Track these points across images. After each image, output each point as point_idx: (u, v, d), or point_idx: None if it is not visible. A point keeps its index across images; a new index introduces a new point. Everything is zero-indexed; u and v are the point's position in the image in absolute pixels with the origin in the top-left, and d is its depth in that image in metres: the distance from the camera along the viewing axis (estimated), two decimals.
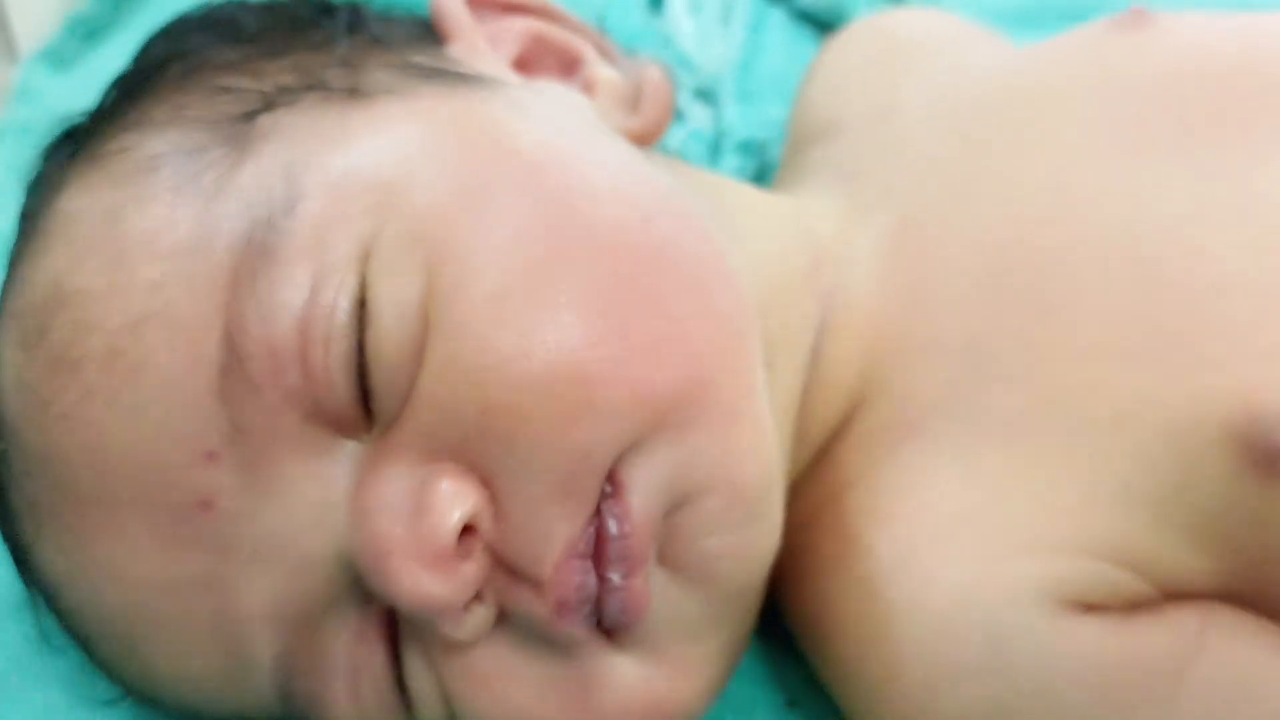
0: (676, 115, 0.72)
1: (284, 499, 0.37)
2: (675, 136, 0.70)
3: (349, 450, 0.37)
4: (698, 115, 0.71)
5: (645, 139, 0.45)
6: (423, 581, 0.35)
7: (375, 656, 0.39)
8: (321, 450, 0.37)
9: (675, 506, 0.38)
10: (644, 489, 0.37)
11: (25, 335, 0.38)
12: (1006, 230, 0.44)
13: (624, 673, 0.39)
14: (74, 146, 0.44)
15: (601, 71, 0.47)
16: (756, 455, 0.39)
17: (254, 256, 0.36)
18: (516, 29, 0.48)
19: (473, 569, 0.36)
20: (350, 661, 0.39)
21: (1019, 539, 0.40)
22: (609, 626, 0.38)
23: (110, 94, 0.45)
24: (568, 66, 0.48)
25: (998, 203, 0.45)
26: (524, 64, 0.47)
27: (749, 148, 0.66)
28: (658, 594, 0.38)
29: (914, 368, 0.44)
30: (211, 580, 0.37)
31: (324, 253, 0.36)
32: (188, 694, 0.40)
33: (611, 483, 0.37)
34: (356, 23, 0.45)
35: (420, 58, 0.43)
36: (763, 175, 0.66)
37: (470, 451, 0.36)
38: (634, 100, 0.46)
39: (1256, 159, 0.43)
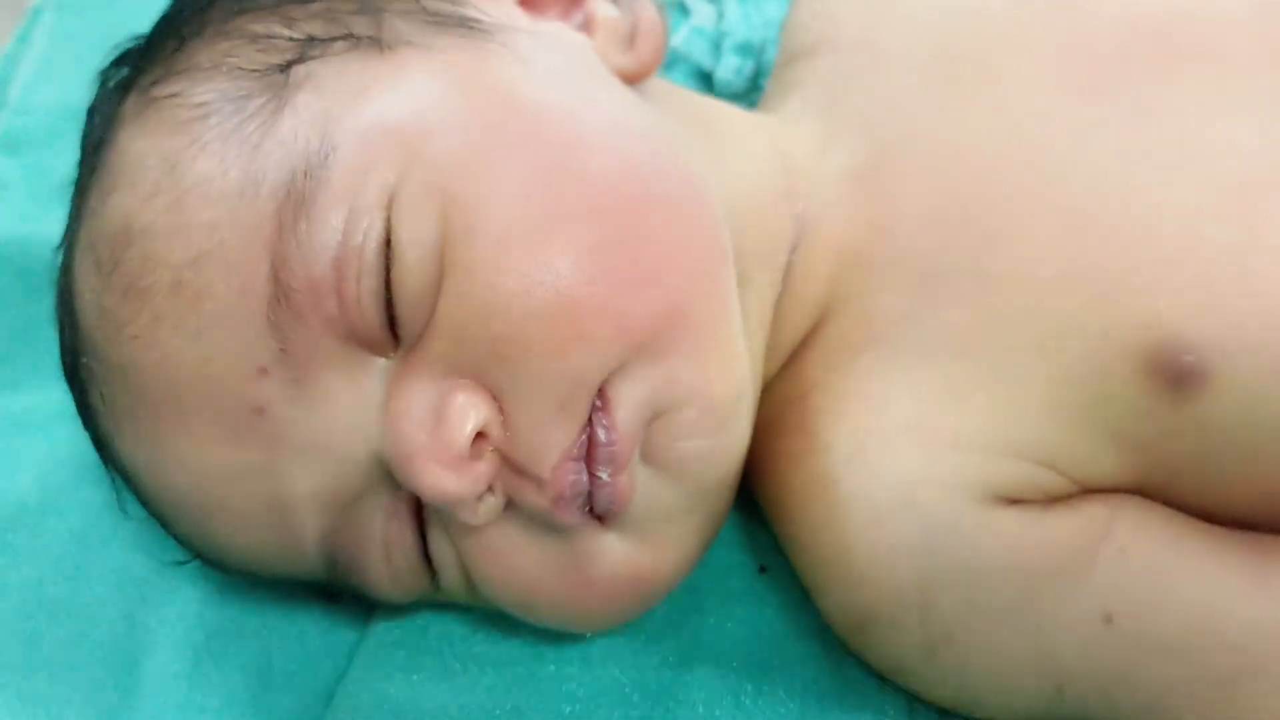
0: (681, 9, 0.76)
1: (325, 407, 0.43)
2: (679, 32, 0.74)
3: (380, 366, 0.44)
4: (703, 11, 0.75)
5: (639, 76, 0.50)
6: (442, 479, 0.42)
7: (405, 533, 0.47)
8: (356, 366, 0.44)
9: (656, 416, 0.44)
10: (628, 404, 0.43)
11: (100, 264, 0.44)
12: (962, 167, 0.49)
13: (613, 549, 0.46)
14: (127, 76, 0.49)
15: (601, 9, 0.51)
16: (727, 374, 0.45)
17: (294, 203, 0.42)
18: None
19: (484, 468, 0.43)
20: (384, 537, 0.47)
21: (954, 442, 0.47)
22: (600, 513, 0.45)
23: (159, 30, 0.50)
24: (572, 1, 0.53)
25: (956, 141, 0.50)
26: (530, 2, 0.52)
27: (747, 49, 0.70)
28: (641, 487, 0.45)
29: (874, 286, 0.50)
30: (266, 470, 0.44)
31: (354, 199, 0.42)
32: (248, 560, 0.48)
33: (601, 398, 0.43)
34: None
35: (435, 3, 0.48)
36: (760, 76, 0.70)
37: (482, 371, 0.42)
38: (630, 39, 0.51)
39: (1186, 106, 0.47)
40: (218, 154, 0.43)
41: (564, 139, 0.44)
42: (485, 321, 0.42)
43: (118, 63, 0.52)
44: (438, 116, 0.44)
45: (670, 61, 0.74)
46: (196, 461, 0.45)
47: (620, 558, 0.46)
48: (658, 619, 0.52)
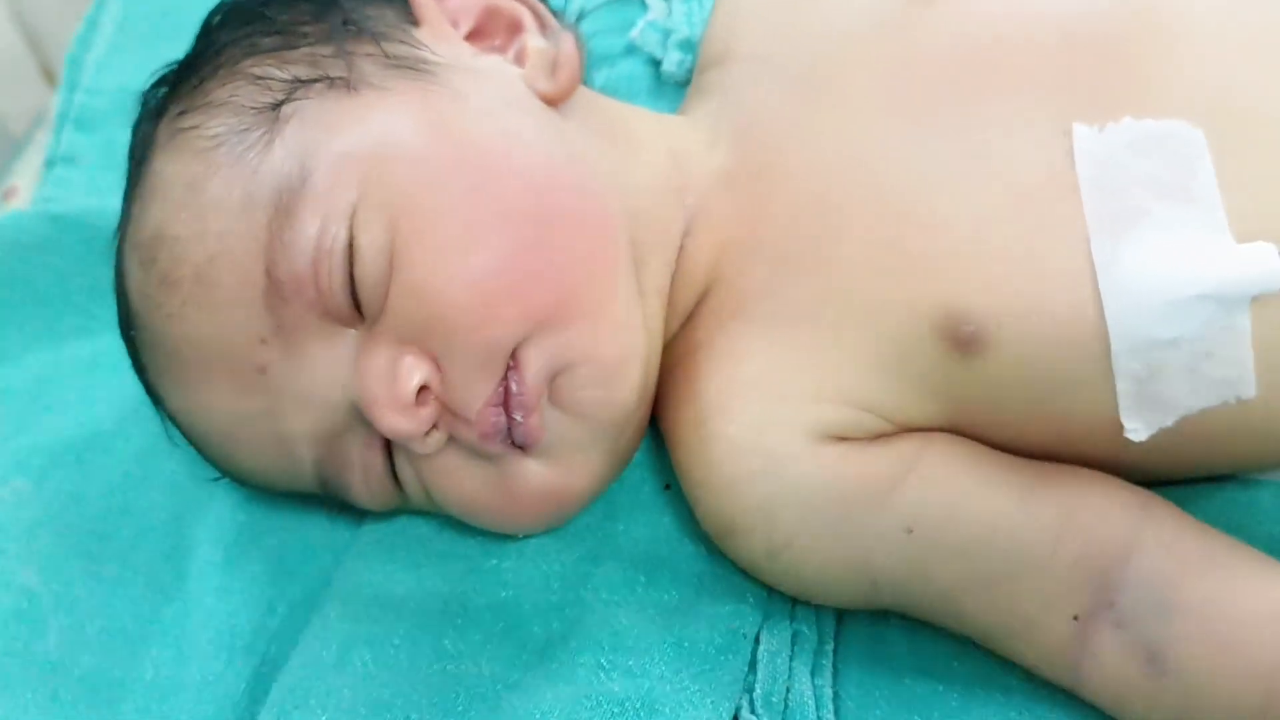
0: (640, 3, 0.88)
1: (311, 366, 0.58)
2: (637, 25, 0.86)
3: (351, 335, 0.58)
4: (657, 7, 0.87)
5: (559, 98, 0.63)
6: (395, 420, 0.57)
7: (377, 460, 0.61)
8: (334, 336, 0.58)
9: (559, 372, 0.58)
10: (534, 364, 0.57)
11: (142, 261, 0.59)
12: (811, 175, 0.61)
13: (533, 472, 0.60)
14: (160, 103, 0.63)
15: (532, 41, 0.64)
16: (614, 340, 0.59)
17: (281, 216, 0.56)
18: (473, 6, 0.65)
19: (427, 412, 0.57)
20: (361, 463, 0.62)
21: (795, 392, 0.60)
22: (520, 445, 0.59)
23: (185, 66, 0.64)
24: (511, 31, 0.66)
25: (809, 153, 0.62)
26: (478, 33, 0.65)
27: (688, 45, 0.82)
28: (552, 425, 0.59)
29: (744, 266, 0.63)
30: (269, 414, 0.59)
31: (325, 213, 0.56)
32: (260, 479, 0.64)
33: (514, 360, 0.57)
34: (350, 18, 0.62)
35: (395, 47, 0.61)
36: None
37: (424, 341, 0.56)
38: (553, 67, 0.64)
39: (986, 124, 0.59)
40: (226, 178, 0.57)
41: (485, 165, 0.57)
42: (423, 306, 0.56)
43: (156, 84, 0.66)
44: (389, 148, 0.57)
45: (628, 49, 0.86)
46: (218, 407, 0.60)
47: (539, 479, 0.60)
48: (580, 524, 0.66)
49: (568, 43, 0.65)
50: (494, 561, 0.66)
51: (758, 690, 0.60)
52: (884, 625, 0.63)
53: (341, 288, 0.56)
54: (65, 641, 0.66)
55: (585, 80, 0.69)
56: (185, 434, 0.63)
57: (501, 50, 0.65)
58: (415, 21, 0.64)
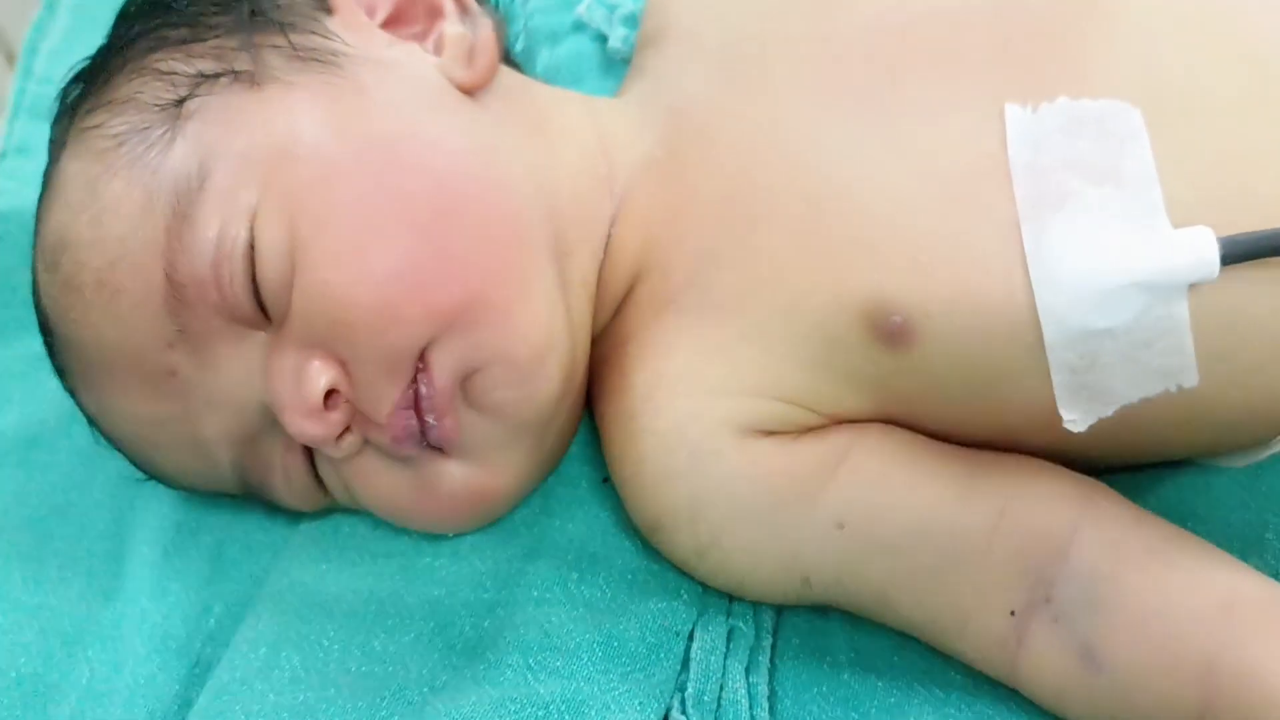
0: None
1: (220, 369, 0.57)
2: (584, 2, 0.84)
3: (260, 337, 0.57)
4: None
5: (477, 87, 0.61)
6: (304, 426, 0.55)
7: (297, 461, 0.60)
8: (241, 338, 0.57)
9: (471, 373, 0.56)
10: (443, 366, 0.56)
11: (46, 264, 0.58)
12: (735, 162, 0.59)
13: (452, 473, 0.59)
14: (75, 99, 0.62)
15: (450, 28, 0.62)
16: (527, 338, 0.57)
17: (179, 218, 0.55)
18: None
19: (337, 416, 0.56)
20: (282, 464, 0.60)
21: (721, 386, 0.58)
22: (436, 447, 0.58)
23: (96, 62, 0.62)
24: (432, 16, 0.63)
25: (732, 139, 0.60)
26: (397, 19, 0.63)
27: (632, 20, 0.80)
28: (467, 426, 0.57)
29: (671, 256, 0.61)
30: (183, 417, 0.58)
31: (224, 215, 0.55)
32: (183, 481, 0.63)
33: (423, 361, 0.55)
34: (259, 8, 0.60)
35: (303, 38, 0.59)
36: None
37: (329, 345, 0.55)
38: (470, 54, 0.62)
39: (910, 106, 0.56)
40: (126, 178, 0.56)
41: (385, 162, 0.56)
42: (324, 311, 0.54)
43: (75, 79, 0.64)
44: (290, 146, 0.55)
45: (576, 26, 0.84)
46: (131, 411, 0.59)
47: (460, 480, 0.59)
48: (516, 520, 0.65)
49: (485, 29, 0.63)
50: (428, 559, 0.65)
51: (689, 689, 0.59)
52: (825, 619, 0.62)
53: (244, 290, 0.55)
54: (2, 645, 0.65)
55: (531, 58, 0.67)
56: (106, 437, 0.62)
57: (421, 38, 0.63)
58: (329, 9, 0.62)
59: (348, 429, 0.57)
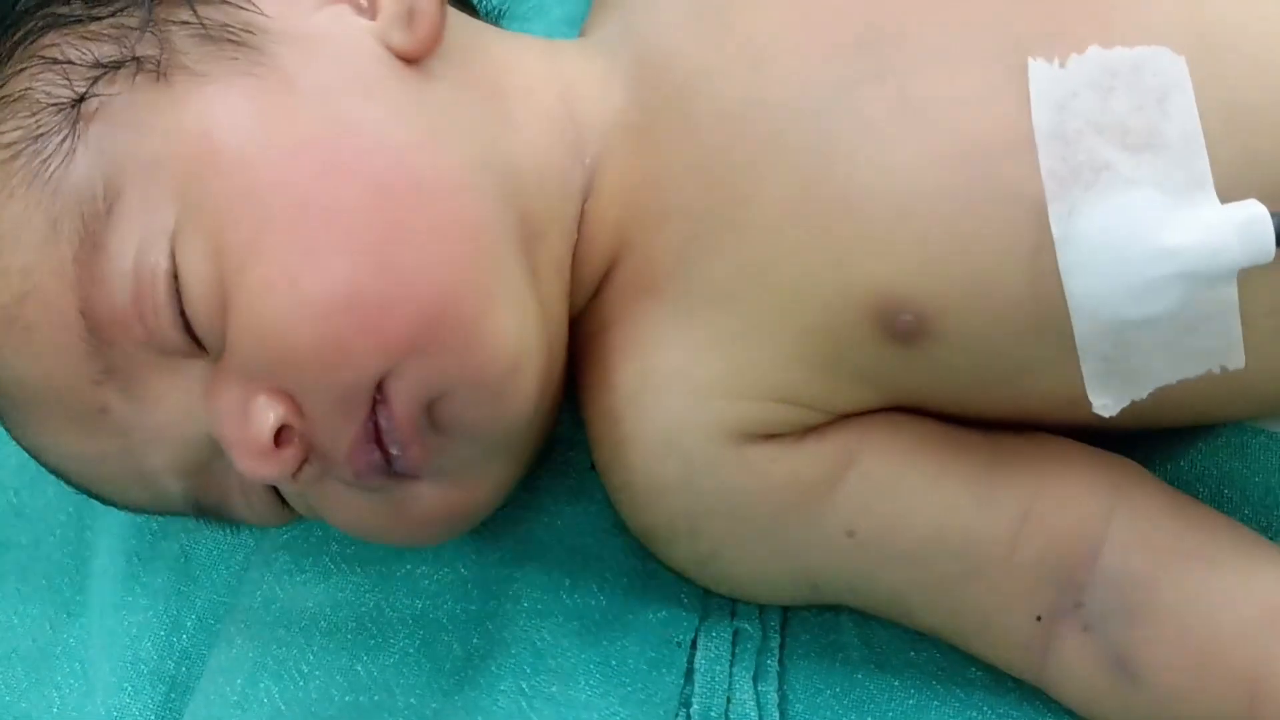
0: None
1: (158, 404, 0.51)
2: None
3: (198, 365, 0.50)
4: None
5: (419, 55, 0.53)
6: (255, 466, 0.49)
7: (256, 485, 0.55)
8: (175, 369, 0.50)
9: (434, 399, 0.50)
10: (404, 396, 0.49)
11: None
12: (716, 127, 0.52)
13: (424, 494, 0.53)
14: None
15: None
16: (495, 353, 0.50)
17: (88, 247, 0.48)
18: None
19: (290, 453, 0.49)
20: (240, 487, 0.55)
21: (714, 387, 0.52)
22: (402, 474, 0.52)
23: None
24: None
25: (712, 99, 0.52)
26: None
27: None
28: (436, 449, 0.51)
29: (653, 235, 0.54)
30: (123, 453, 0.52)
31: (139, 241, 0.47)
32: (134, 508, 0.57)
33: (380, 392, 0.49)
34: None
35: (214, 11, 0.51)
36: None
37: (274, 380, 0.49)
38: (410, 15, 0.53)
39: (922, 63, 0.49)
40: (23, 199, 0.48)
41: (317, 172, 0.48)
42: (263, 347, 0.48)
43: None
44: (206, 156, 0.48)
45: None
46: (66, 449, 0.53)
47: (433, 500, 0.54)
48: (500, 517, 0.60)
49: None
50: (408, 566, 0.60)
51: (695, 705, 0.55)
52: (835, 612, 0.58)
53: (171, 324, 0.49)
54: None
55: None
56: (45, 468, 0.57)
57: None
58: None
59: (305, 459, 0.51)
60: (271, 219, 0.47)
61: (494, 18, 0.63)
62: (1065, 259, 0.47)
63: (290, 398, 0.49)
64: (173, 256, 0.48)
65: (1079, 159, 0.47)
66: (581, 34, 0.61)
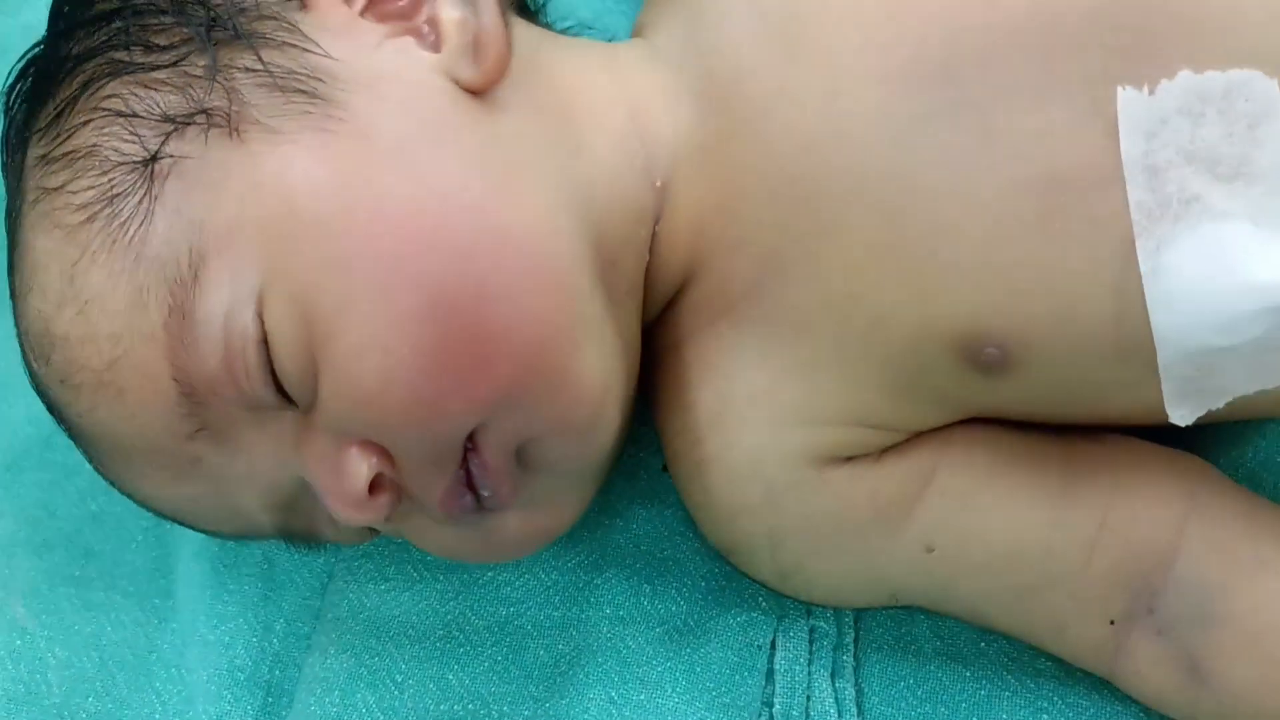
0: None
1: (249, 454, 0.51)
2: None
3: (287, 416, 0.51)
4: None
5: (486, 87, 0.52)
6: (352, 515, 0.51)
7: None
8: (267, 421, 0.51)
9: (525, 444, 0.51)
10: (494, 446, 0.50)
11: (36, 355, 0.51)
12: (792, 152, 0.51)
13: (510, 522, 0.54)
14: (23, 123, 0.53)
15: (445, 12, 0.52)
16: (581, 398, 0.51)
17: (177, 315, 0.48)
18: None
19: (385, 500, 0.50)
20: (330, 518, 0.56)
21: (795, 414, 0.53)
22: (491, 509, 0.53)
23: (42, 73, 0.53)
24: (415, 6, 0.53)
25: (788, 121, 0.51)
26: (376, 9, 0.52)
27: None
28: (525, 485, 0.52)
29: (727, 260, 0.54)
30: (216, 495, 0.53)
31: (227, 307, 0.47)
32: (228, 536, 0.58)
33: (472, 443, 0.50)
34: (217, 14, 0.50)
35: (279, 55, 0.50)
36: None
37: (366, 435, 0.49)
38: (476, 45, 0.52)
39: (1004, 94, 0.48)
40: (105, 265, 0.48)
41: (402, 237, 0.47)
42: (357, 409, 0.48)
43: (14, 92, 0.55)
44: (287, 226, 0.47)
45: None
46: (160, 493, 0.54)
47: (521, 526, 0.55)
48: (575, 524, 0.61)
49: (489, 12, 0.52)
50: (490, 573, 0.62)
51: (776, 706, 0.58)
52: (908, 608, 0.60)
53: (263, 384, 0.49)
54: (66, 680, 0.64)
55: None
56: (139, 505, 0.58)
57: (407, 17, 0.53)
58: (303, 4, 0.52)
59: (398, 503, 0.52)
60: (358, 286, 0.47)
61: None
62: (1152, 292, 0.47)
63: (382, 450, 0.50)
64: (261, 320, 0.48)
65: (1168, 190, 0.47)
66: (636, 32, 0.60)
